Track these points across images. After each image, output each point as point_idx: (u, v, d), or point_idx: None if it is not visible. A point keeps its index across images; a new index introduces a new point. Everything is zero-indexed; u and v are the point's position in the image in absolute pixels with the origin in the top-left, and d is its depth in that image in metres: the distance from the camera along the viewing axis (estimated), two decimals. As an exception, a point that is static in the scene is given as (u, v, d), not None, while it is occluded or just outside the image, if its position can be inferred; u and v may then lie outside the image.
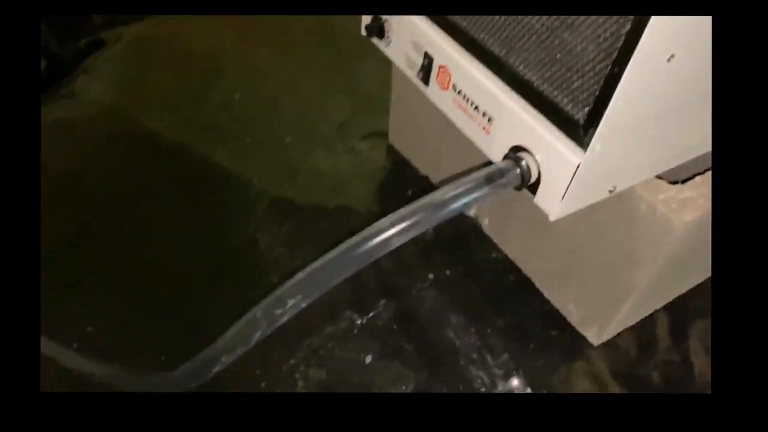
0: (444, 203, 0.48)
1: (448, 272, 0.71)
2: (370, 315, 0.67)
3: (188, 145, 0.86)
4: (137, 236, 0.76)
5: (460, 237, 0.75)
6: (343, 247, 0.47)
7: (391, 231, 0.46)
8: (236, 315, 0.65)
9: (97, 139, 0.89)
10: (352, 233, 0.77)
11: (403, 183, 0.80)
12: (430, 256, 0.72)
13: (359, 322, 0.67)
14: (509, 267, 0.71)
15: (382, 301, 0.68)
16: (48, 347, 0.65)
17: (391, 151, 0.85)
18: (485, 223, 0.74)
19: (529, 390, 0.62)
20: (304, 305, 0.48)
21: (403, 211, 0.47)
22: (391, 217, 0.47)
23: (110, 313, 0.69)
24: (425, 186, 0.79)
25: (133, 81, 0.96)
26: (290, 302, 0.47)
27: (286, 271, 0.71)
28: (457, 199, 0.48)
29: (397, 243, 0.48)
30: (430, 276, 0.71)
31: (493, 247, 0.73)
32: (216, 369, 0.51)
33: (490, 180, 0.48)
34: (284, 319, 0.48)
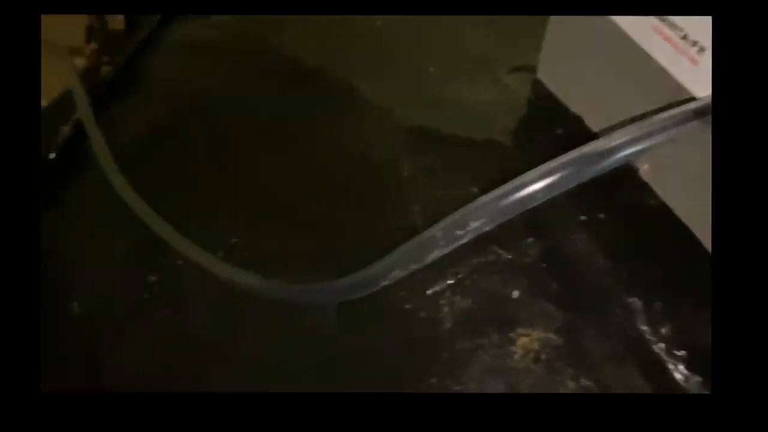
0: (643, 137, 0.45)
1: (601, 215, 0.68)
2: (518, 251, 0.67)
3: (328, 69, 0.86)
4: (277, 154, 0.78)
5: (617, 179, 0.71)
6: (534, 175, 0.46)
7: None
8: (377, 237, 0.66)
9: (232, 61, 0.91)
10: (500, 167, 0.75)
11: (552, 120, 0.77)
12: (582, 197, 0.69)
13: (506, 257, 0.66)
14: (668, 216, 0.67)
15: (530, 239, 0.67)
16: (198, 254, 0.69)
17: (540, 86, 0.81)
18: (644, 168, 0.70)
19: (679, 342, 0.60)
20: (486, 229, 0.47)
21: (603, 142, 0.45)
22: (588, 149, 0.45)
23: (252, 227, 0.72)
24: (577, 126, 0.75)
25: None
26: (473, 225, 0.47)
27: (429, 200, 0.71)
28: (655, 134, 0.46)
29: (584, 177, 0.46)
30: (582, 217, 0.68)
31: (651, 194, 0.69)
32: (384, 282, 0.52)
33: (700, 114, 0.45)
34: (463, 240, 0.48)
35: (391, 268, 0.50)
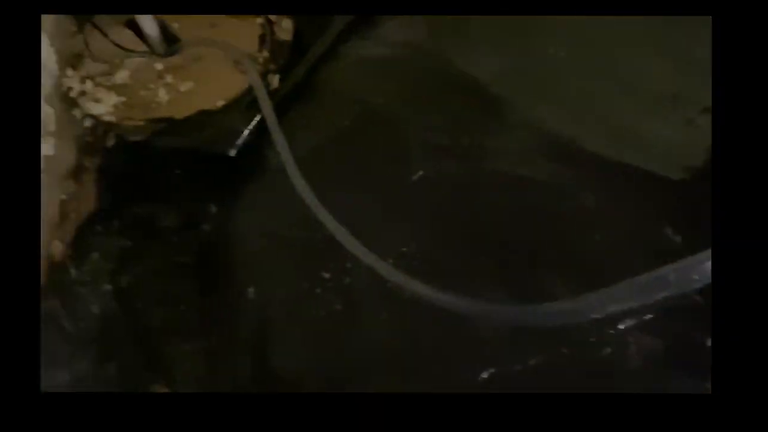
0: None
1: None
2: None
3: (508, 96, 0.86)
4: (453, 166, 0.78)
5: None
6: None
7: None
8: (559, 262, 0.62)
9: (404, 75, 0.93)
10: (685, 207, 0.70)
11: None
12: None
13: (700, 301, 0.62)
14: None
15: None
16: (370, 258, 0.70)
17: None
18: None
19: None
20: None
21: None
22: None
23: (425, 238, 0.73)
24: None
25: (449, 24, 0.98)
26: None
27: (613, 228, 0.69)
28: None
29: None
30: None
31: None
32: (596, 315, 0.49)
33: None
34: (697, 286, 0.44)
35: (609, 303, 0.47)
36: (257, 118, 0.93)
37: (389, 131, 0.84)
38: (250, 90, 1.02)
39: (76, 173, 1.04)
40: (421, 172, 0.77)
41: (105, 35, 1.02)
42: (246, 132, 0.93)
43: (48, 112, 0.92)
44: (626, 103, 0.82)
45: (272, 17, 1.14)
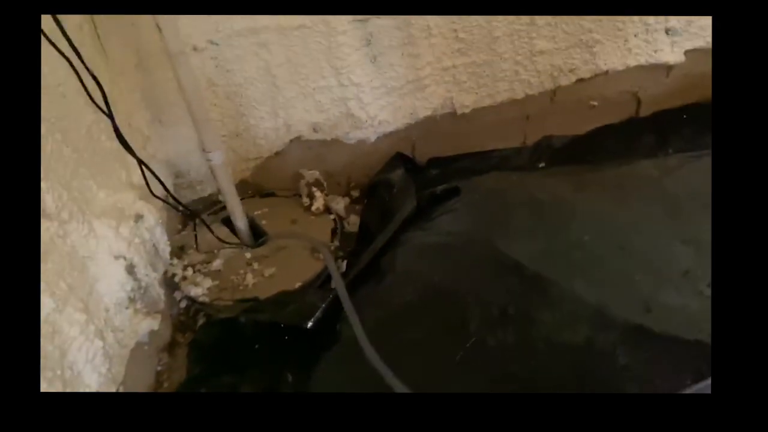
0: None
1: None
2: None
3: (547, 274, 1.01)
4: (508, 339, 0.90)
5: None
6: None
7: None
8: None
9: (460, 259, 1.09)
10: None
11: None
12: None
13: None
14: None
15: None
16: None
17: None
18: None
19: None
20: None
21: None
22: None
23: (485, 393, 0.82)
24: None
25: (492, 218, 1.18)
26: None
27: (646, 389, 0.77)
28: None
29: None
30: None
31: None
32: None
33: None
34: None
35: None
36: (331, 295, 1.09)
37: (446, 305, 0.98)
38: (323, 272, 1.20)
39: (171, 347, 1.19)
40: (474, 339, 0.90)
41: (210, 230, 1.24)
42: (322, 307, 1.08)
43: (158, 293, 1.10)
44: (646, 277, 0.96)
45: (341, 214, 1.39)
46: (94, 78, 0.80)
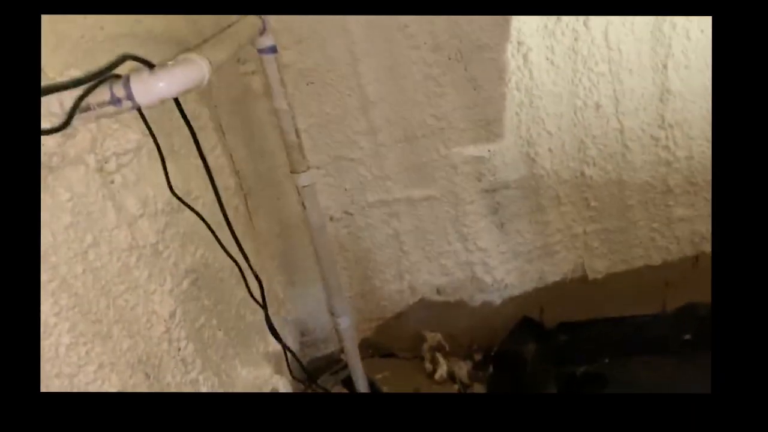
0: None
1: None
2: None
3: None
4: None
5: None
6: None
7: None
8: None
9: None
10: None
11: None
12: None
13: None
14: None
15: None
16: None
17: None
18: None
19: None
20: None
21: None
22: None
23: None
24: None
25: None
26: None
27: None
28: None
29: None
30: None
31: None
32: None
33: None
34: None
35: None
36: None
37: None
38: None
39: None
40: None
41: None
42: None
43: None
44: None
45: (465, 381, 1.33)
46: (256, 277, 0.85)
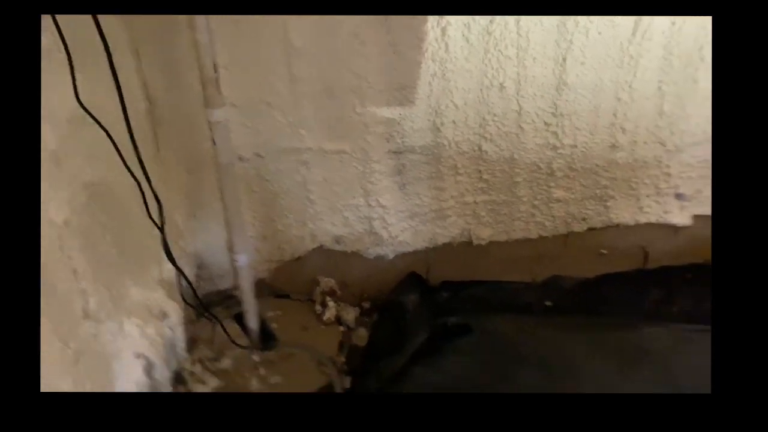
0: None
1: None
2: None
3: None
4: None
5: None
6: None
7: None
8: None
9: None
10: None
11: None
12: None
13: None
14: None
15: None
16: None
17: None
18: None
19: None
20: None
21: None
22: None
23: None
24: None
25: (501, 371, 1.21)
26: None
27: None
28: None
29: None
30: None
31: None
32: None
33: None
34: None
35: None
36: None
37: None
38: (328, 387, 1.23)
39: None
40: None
41: (225, 330, 1.28)
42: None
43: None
44: None
45: (351, 325, 1.43)
46: (157, 199, 0.88)
